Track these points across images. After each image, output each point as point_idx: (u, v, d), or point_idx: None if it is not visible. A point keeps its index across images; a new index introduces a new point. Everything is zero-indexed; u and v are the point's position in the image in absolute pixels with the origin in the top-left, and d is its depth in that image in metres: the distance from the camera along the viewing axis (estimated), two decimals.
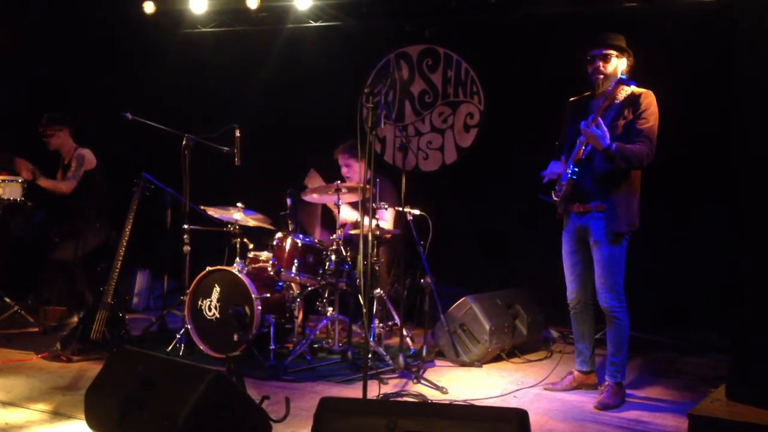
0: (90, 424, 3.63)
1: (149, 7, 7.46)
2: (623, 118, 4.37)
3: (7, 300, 6.33)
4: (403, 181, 5.09)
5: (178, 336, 5.51)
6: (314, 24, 7.47)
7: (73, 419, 4.03)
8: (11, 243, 6.47)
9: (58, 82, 7.75)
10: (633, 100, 4.38)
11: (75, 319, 6.21)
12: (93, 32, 7.83)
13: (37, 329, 6.27)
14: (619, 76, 4.42)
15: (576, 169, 4.44)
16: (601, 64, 4.44)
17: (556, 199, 4.62)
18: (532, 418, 2.92)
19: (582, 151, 4.42)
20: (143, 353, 3.79)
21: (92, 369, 5.05)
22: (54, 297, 6.83)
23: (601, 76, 4.45)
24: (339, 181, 5.57)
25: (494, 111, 7.05)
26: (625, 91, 4.40)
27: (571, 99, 4.73)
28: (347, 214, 5.89)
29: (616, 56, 4.45)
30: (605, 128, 4.26)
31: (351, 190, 5.62)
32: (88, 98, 7.74)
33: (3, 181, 6.20)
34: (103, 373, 3.72)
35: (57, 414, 4.14)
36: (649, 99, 4.37)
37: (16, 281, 6.73)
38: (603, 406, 4.39)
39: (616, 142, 4.28)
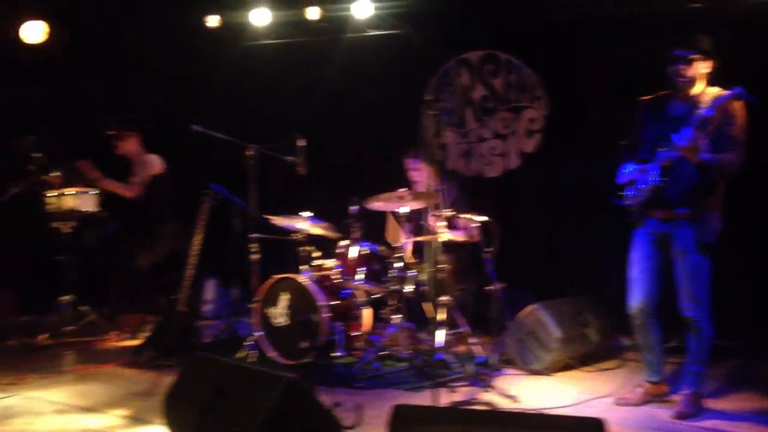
0: (168, 429, 3.71)
1: (213, 21, 7.59)
2: (711, 123, 4.18)
3: (84, 308, 6.53)
4: (463, 186, 5.08)
5: (247, 343, 5.59)
6: (373, 33, 7.50)
7: (152, 425, 4.13)
8: (86, 253, 6.66)
9: (122, 95, 7.95)
10: (722, 103, 4.14)
11: (149, 326, 6.37)
12: (158, 46, 8.01)
13: (112, 337, 6.45)
14: (698, 79, 4.29)
15: (663, 176, 4.30)
16: (682, 67, 4.27)
17: (629, 203, 4.49)
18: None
19: (670, 158, 4.25)
20: (218, 360, 3.85)
21: (167, 375, 5.15)
22: (128, 305, 7.02)
23: (682, 80, 4.30)
24: (405, 188, 5.58)
25: (558, 115, 6.98)
26: (710, 94, 4.23)
27: (645, 98, 4.55)
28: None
29: (699, 59, 4.27)
30: (704, 141, 4.12)
31: (417, 197, 5.64)
32: (154, 110, 7.92)
33: (78, 192, 6.40)
34: (180, 380, 3.80)
35: (135, 419, 4.25)
36: (738, 104, 4.19)
37: (93, 290, 6.94)
38: (680, 416, 4.29)
39: (713, 154, 4.15)
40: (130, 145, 6.72)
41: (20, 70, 7.40)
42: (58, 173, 6.34)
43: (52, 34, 7.14)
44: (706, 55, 4.29)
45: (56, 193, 6.32)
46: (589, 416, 3.10)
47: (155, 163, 6.67)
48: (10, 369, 5.34)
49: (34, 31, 7.04)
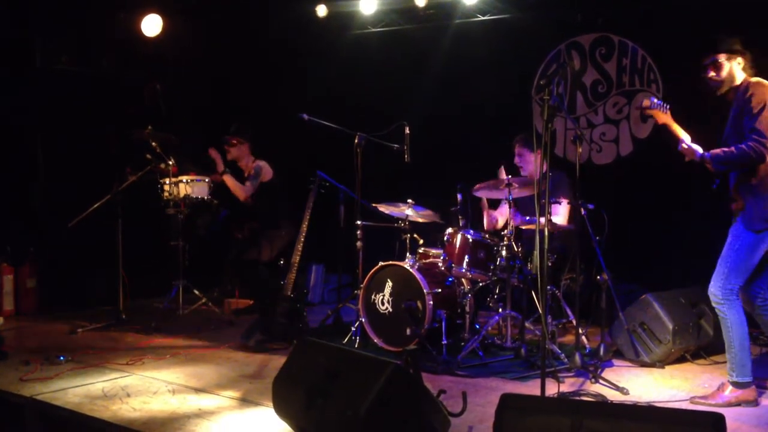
0: (277, 411, 3.78)
1: (322, 11, 7.69)
2: (740, 114, 4.20)
3: (196, 292, 6.75)
4: (577, 173, 4.96)
5: (352, 329, 5.65)
6: (482, 18, 7.41)
7: (261, 406, 4.21)
8: (198, 239, 6.87)
9: (233, 84, 8.15)
10: (743, 91, 4.20)
11: (257, 310, 6.53)
12: (267, 35, 8.17)
13: (222, 320, 6.65)
14: (736, 77, 4.27)
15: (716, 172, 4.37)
16: (711, 71, 4.32)
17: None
18: None
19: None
20: (326, 345, 3.90)
21: (274, 359, 5.30)
22: (237, 290, 7.23)
23: (713, 84, 4.35)
24: (510, 176, 5.50)
25: (674, 99, 6.66)
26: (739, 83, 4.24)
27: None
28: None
29: (727, 59, 4.27)
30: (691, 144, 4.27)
31: (523, 184, 5.54)
32: (264, 100, 8.10)
33: (192, 180, 6.62)
34: (289, 363, 3.85)
35: (245, 401, 4.35)
36: (756, 87, 4.15)
37: (204, 275, 7.18)
38: None
39: (710, 151, 4.23)
40: (240, 152, 6.86)
41: (138, 63, 7.70)
42: (173, 162, 6.55)
43: (167, 28, 7.37)
44: (732, 54, 4.28)
45: (171, 181, 6.54)
46: (707, 410, 2.98)
47: (265, 170, 6.80)
48: (126, 350, 5.57)
49: (152, 25, 7.29)
